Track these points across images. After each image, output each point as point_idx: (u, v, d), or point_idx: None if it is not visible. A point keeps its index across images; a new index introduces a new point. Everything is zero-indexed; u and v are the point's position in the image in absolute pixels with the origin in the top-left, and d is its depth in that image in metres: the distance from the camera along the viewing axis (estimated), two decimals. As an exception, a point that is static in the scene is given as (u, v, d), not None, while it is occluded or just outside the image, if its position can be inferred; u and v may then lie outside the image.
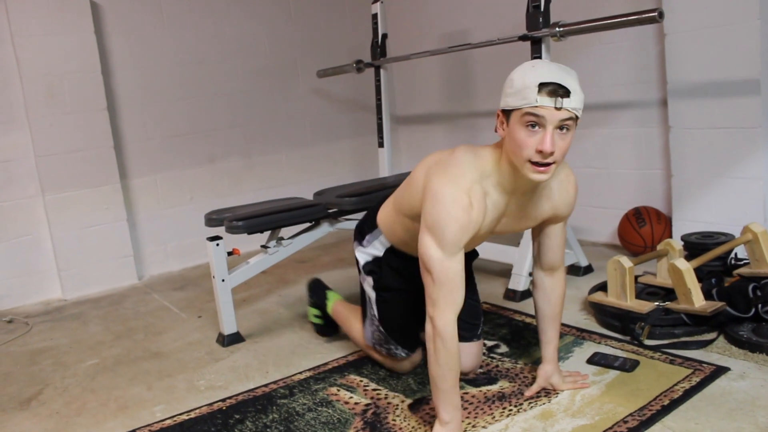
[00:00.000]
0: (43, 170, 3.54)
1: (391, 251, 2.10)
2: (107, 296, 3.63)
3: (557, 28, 2.68)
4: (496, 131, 1.67)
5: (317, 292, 2.63)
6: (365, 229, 2.17)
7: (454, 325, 1.67)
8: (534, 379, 2.07)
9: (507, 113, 1.61)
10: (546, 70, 1.56)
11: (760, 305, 2.23)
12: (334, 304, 2.55)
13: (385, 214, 2.08)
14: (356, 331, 2.34)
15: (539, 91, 1.52)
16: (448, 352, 1.67)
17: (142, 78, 3.92)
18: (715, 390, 1.93)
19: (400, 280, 2.10)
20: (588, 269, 3.14)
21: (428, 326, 1.69)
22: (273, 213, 2.71)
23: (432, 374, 1.70)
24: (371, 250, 2.15)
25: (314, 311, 2.64)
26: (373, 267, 2.15)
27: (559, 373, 2.04)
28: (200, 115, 4.14)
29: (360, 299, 2.27)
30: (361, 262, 2.18)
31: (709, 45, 2.87)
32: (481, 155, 1.72)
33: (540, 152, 1.56)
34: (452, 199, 1.63)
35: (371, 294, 2.16)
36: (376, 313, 2.16)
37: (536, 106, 1.53)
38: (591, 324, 2.54)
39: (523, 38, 2.80)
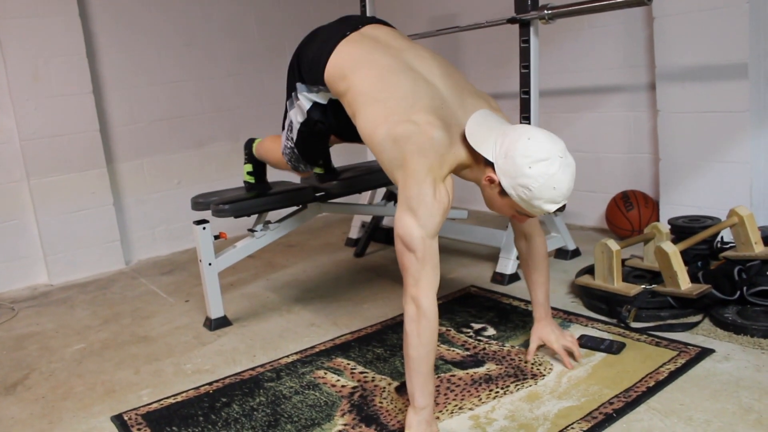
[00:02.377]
0: (28, 154, 3.50)
1: (333, 101, 2.14)
2: (94, 281, 3.61)
3: (546, 11, 2.67)
4: (488, 181, 1.70)
5: (248, 145, 2.83)
6: (306, 80, 2.14)
7: (436, 303, 1.67)
8: (521, 361, 2.09)
9: (503, 188, 1.66)
10: (564, 183, 1.61)
11: (745, 288, 2.24)
12: (257, 143, 2.75)
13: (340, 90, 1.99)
14: (274, 150, 2.54)
15: (549, 206, 1.63)
16: (433, 333, 1.65)
17: (128, 61, 3.88)
18: (700, 371, 1.94)
19: (334, 122, 2.19)
20: (575, 253, 3.15)
21: (410, 307, 1.65)
22: (260, 196, 2.70)
23: (412, 357, 1.65)
24: (314, 97, 2.17)
25: (247, 167, 2.85)
26: (317, 112, 2.19)
27: (554, 331, 2.07)
28: (187, 99, 4.11)
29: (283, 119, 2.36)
30: (306, 106, 2.18)
31: (697, 29, 2.86)
32: (455, 146, 1.73)
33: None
34: (433, 183, 1.66)
35: (296, 122, 2.25)
36: (294, 137, 2.30)
37: None
38: (578, 307, 2.54)
39: (511, 21, 2.80)
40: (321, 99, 2.16)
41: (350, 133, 2.15)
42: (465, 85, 1.91)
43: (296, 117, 2.24)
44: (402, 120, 1.72)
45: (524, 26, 2.77)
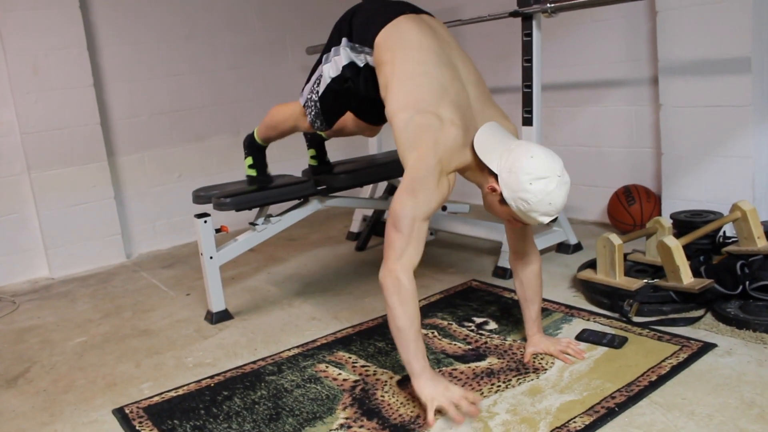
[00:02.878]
0: (28, 148, 3.49)
1: (369, 68, 2.14)
2: (95, 274, 3.61)
3: (548, 4, 2.66)
4: (490, 189, 1.81)
5: (247, 139, 2.84)
6: (354, 37, 2.15)
7: (413, 278, 1.76)
8: (523, 355, 2.10)
9: (504, 198, 1.77)
10: (559, 199, 1.72)
11: (747, 282, 2.23)
12: (257, 128, 2.78)
13: (385, 63, 2.01)
14: (281, 112, 2.57)
15: (544, 218, 1.75)
16: (415, 301, 1.74)
17: (129, 54, 3.87)
18: (702, 366, 1.94)
19: (363, 87, 2.21)
20: (577, 247, 3.14)
21: (390, 280, 1.74)
22: (261, 190, 2.69)
23: (400, 327, 1.73)
24: (353, 56, 2.17)
25: (248, 161, 2.85)
26: (351, 71, 2.19)
27: (548, 340, 2.10)
28: (188, 92, 4.10)
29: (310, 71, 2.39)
30: (343, 62, 2.19)
31: (700, 23, 2.85)
32: (467, 149, 1.84)
33: None
34: (438, 172, 1.77)
35: (326, 76, 2.26)
36: (321, 90, 2.31)
37: None
38: (580, 301, 2.54)
39: (513, 14, 2.79)
40: (359, 61, 2.16)
41: (367, 112, 2.32)
42: (489, 96, 2.00)
43: (329, 71, 2.25)
44: (429, 111, 1.81)
45: (527, 20, 2.76)
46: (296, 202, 2.88)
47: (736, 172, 2.87)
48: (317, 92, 2.33)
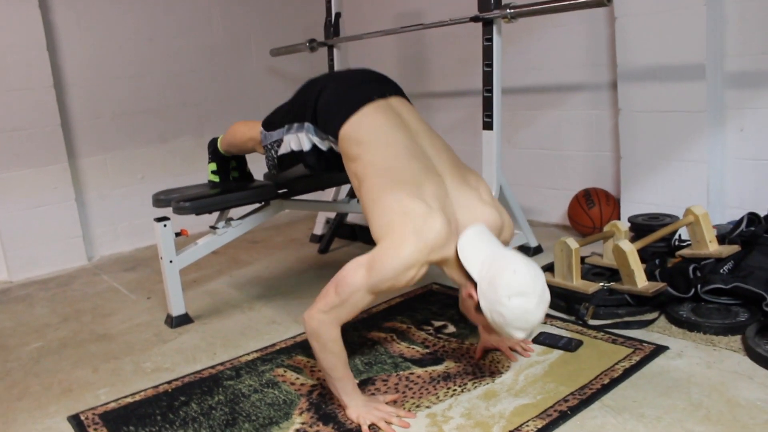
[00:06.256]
0: (-14, 149, 3.44)
1: (333, 152, 2.12)
2: (55, 278, 3.56)
3: (508, 10, 2.69)
4: (467, 295, 1.75)
5: (211, 143, 2.77)
6: (318, 123, 2.10)
7: (336, 327, 1.75)
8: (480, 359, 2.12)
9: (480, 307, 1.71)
10: (536, 318, 1.67)
11: (699, 286, 2.28)
12: (221, 137, 2.71)
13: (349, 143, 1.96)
14: (243, 132, 2.50)
15: (518, 333, 1.69)
16: (335, 345, 1.76)
17: (90, 54, 3.82)
18: (653, 368, 1.98)
19: (324, 168, 2.23)
20: (537, 250, 3.18)
21: (310, 325, 1.75)
22: (221, 194, 2.68)
23: (322, 367, 1.80)
24: (317, 141, 2.14)
25: (212, 166, 2.80)
26: (313, 157, 2.19)
27: (497, 336, 2.08)
28: (151, 93, 4.06)
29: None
30: (306, 146, 2.17)
31: (657, 29, 2.90)
32: (450, 244, 1.74)
33: None
34: (407, 264, 1.67)
35: (286, 147, 2.24)
36: (279, 152, 2.28)
37: None
38: (538, 304, 2.57)
39: (474, 19, 2.81)
40: (323, 146, 2.13)
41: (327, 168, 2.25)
42: (463, 171, 1.92)
43: (290, 143, 2.22)
44: (414, 195, 1.73)
45: (487, 25, 2.79)
46: (257, 205, 2.87)
47: (692, 176, 2.93)
48: (276, 151, 2.30)
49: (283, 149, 2.26)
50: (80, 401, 2.11)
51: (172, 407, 1.99)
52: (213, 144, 2.77)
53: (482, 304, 1.69)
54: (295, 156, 2.24)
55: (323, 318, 1.73)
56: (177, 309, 2.67)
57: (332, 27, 3.74)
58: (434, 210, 1.72)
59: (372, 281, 1.68)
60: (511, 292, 1.63)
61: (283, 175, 2.84)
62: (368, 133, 1.91)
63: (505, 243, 1.94)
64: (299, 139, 2.18)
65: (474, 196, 1.85)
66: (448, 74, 4.16)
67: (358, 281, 1.69)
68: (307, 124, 2.13)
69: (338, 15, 3.74)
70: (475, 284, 1.71)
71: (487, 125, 2.88)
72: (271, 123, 2.32)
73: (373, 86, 2.06)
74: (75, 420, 1.98)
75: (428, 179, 1.79)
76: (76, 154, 3.82)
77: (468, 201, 1.83)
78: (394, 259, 1.66)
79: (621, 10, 3.01)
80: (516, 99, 3.74)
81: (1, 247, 3.56)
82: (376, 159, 1.86)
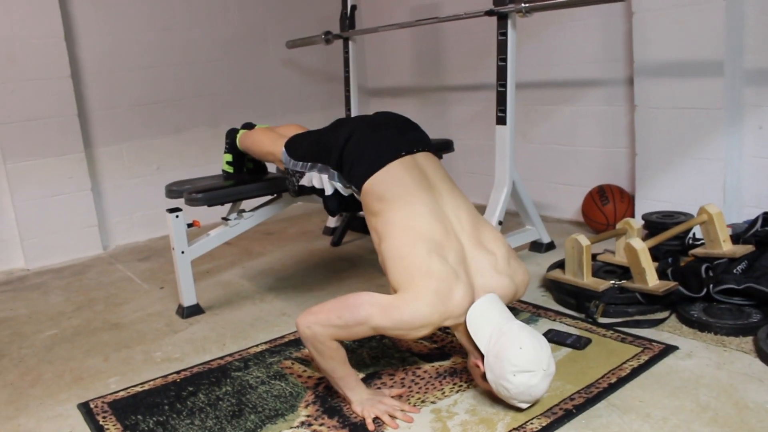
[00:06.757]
0: (4, 138, 3.48)
1: (354, 198, 2.13)
2: (70, 266, 3.60)
3: (523, 4, 2.67)
4: (474, 365, 1.79)
5: (230, 134, 2.79)
6: (343, 172, 2.09)
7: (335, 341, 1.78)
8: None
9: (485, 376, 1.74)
10: (540, 391, 1.71)
11: (711, 285, 2.26)
12: (242, 134, 2.72)
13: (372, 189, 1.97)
14: (263, 143, 2.53)
15: (522, 405, 1.74)
16: (332, 347, 1.78)
17: (107, 45, 3.85)
18: (662, 368, 1.96)
19: (342, 210, 2.30)
20: (550, 246, 3.16)
21: (304, 332, 1.77)
22: (233, 186, 2.69)
23: (323, 369, 1.83)
24: (339, 188, 2.16)
25: (227, 157, 2.83)
26: (334, 202, 2.23)
27: None
28: (167, 84, 4.08)
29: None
30: (328, 190, 2.20)
31: (675, 25, 2.87)
32: (465, 313, 1.77)
33: None
34: (423, 322, 1.70)
35: (308, 182, 2.28)
36: (300, 183, 2.33)
37: None
38: (548, 301, 2.56)
39: (489, 13, 2.79)
40: (344, 192, 2.16)
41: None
42: (484, 239, 1.91)
43: (312, 180, 2.25)
44: (438, 255, 1.76)
45: (502, 19, 2.77)
46: (270, 197, 2.88)
47: (708, 175, 2.90)
48: (298, 179, 2.33)
49: (304, 181, 2.30)
50: (90, 389, 2.14)
51: (180, 397, 2.01)
52: (232, 135, 2.78)
53: (488, 377, 1.73)
54: (316, 192, 2.28)
55: (319, 330, 1.74)
56: (188, 299, 2.69)
57: (348, 19, 3.73)
58: (459, 277, 1.75)
59: (383, 324, 1.71)
60: (517, 369, 1.66)
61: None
62: (391, 191, 1.91)
63: (519, 297, 1.99)
64: (322, 181, 2.21)
65: (489, 263, 1.86)
66: (463, 68, 4.14)
67: (367, 318, 1.70)
68: (331, 171, 2.15)
69: (354, 7, 3.73)
70: (482, 355, 1.74)
71: (501, 120, 2.87)
72: (295, 150, 2.33)
73: (401, 140, 2.04)
74: (85, 408, 2.00)
75: (448, 242, 1.81)
76: (93, 144, 3.86)
77: (483, 266, 1.85)
78: (414, 314, 1.69)
79: (638, 5, 2.98)
80: (531, 94, 3.71)
81: (18, 235, 3.60)
82: (397, 218, 1.86)
